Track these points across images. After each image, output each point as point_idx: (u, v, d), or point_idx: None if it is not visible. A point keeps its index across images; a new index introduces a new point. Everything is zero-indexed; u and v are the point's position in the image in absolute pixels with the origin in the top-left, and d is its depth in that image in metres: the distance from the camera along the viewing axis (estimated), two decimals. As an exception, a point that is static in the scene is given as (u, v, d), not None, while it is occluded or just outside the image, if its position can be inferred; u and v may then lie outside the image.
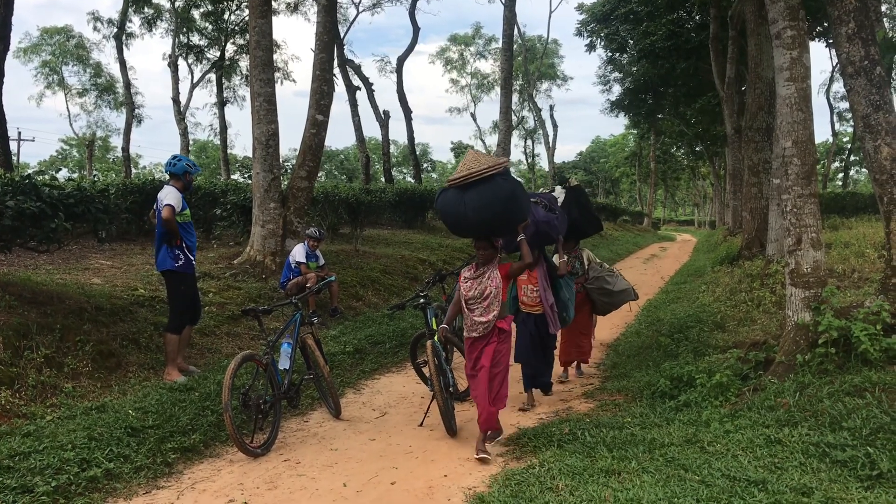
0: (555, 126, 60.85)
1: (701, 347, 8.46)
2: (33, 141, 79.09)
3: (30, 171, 10.80)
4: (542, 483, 4.97)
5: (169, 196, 7.52)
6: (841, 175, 64.80)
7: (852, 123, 42.89)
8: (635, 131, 64.50)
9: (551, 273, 7.43)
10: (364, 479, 5.53)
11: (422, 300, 7.23)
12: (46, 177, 8.02)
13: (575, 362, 8.98)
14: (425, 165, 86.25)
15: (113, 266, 10.91)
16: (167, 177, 7.98)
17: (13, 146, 55.19)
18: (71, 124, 51.90)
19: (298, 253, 10.46)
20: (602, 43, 37.85)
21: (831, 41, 29.91)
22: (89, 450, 5.44)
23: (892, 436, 5.05)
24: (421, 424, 6.88)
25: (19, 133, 56.53)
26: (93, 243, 13.08)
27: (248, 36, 31.76)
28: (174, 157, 7.91)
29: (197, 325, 8.42)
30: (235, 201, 13.73)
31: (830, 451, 5.05)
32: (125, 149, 34.62)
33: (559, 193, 8.05)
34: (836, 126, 57.09)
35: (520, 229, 6.09)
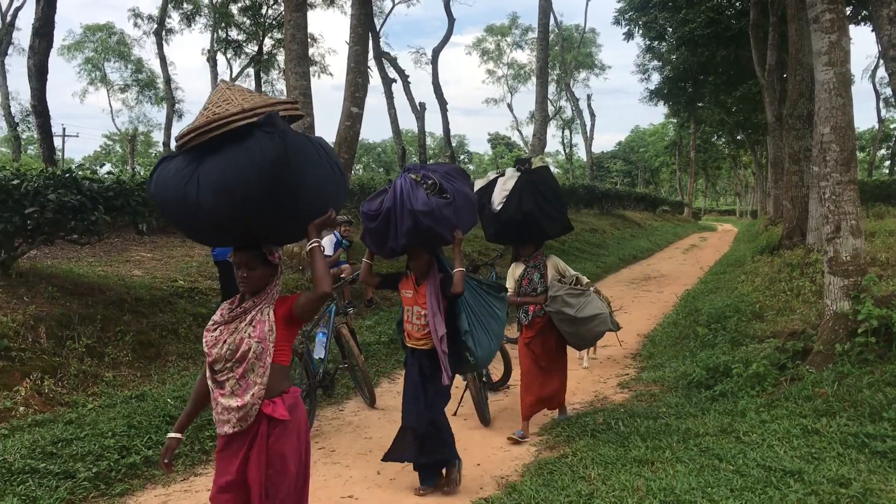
0: (592, 116, 60.35)
1: (738, 337, 8.35)
2: (77, 137, 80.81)
3: (73, 167, 11.03)
4: (575, 472, 4.96)
5: None
6: (888, 163, 63.35)
7: (898, 109, 41.97)
8: (675, 120, 63.66)
9: (444, 291, 5.08)
10: (397, 467, 5.56)
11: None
12: (88, 171, 8.18)
13: (545, 410, 6.66)
14: (462, 157, 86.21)
15: (153, 258, 11.09)
16: None
17: (58, 142, 56.35)
18: (113, 120, 52.66)
19: (326, 245, 10.52)
20: (640, 31, 37.36)
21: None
22: (129, 437, 5.55)
23: (933, 426, 4.96)
24: (455, 414, 6.90)
25: (64, 129, 57.59)
26: (134, 236, 13.30)
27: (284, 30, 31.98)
28: None
29: None
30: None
31: (870, 442, 4.97)
32: (166, 143, 35.07)
33: (509, 176, 6.23)
34: (883, 112, 55.71)
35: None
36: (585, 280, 6.46)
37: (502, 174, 6.33)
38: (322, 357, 6.76)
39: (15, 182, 6.83)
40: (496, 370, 7.39)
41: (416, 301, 5.10)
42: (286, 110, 3.32)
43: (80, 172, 7.56)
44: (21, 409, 5.91)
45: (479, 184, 6.30)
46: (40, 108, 17.48)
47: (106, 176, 8.07)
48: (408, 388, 5.16)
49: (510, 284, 6.35)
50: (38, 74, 16.93)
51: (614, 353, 9.63)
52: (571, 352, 6.95)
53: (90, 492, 4.91)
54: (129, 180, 7.81)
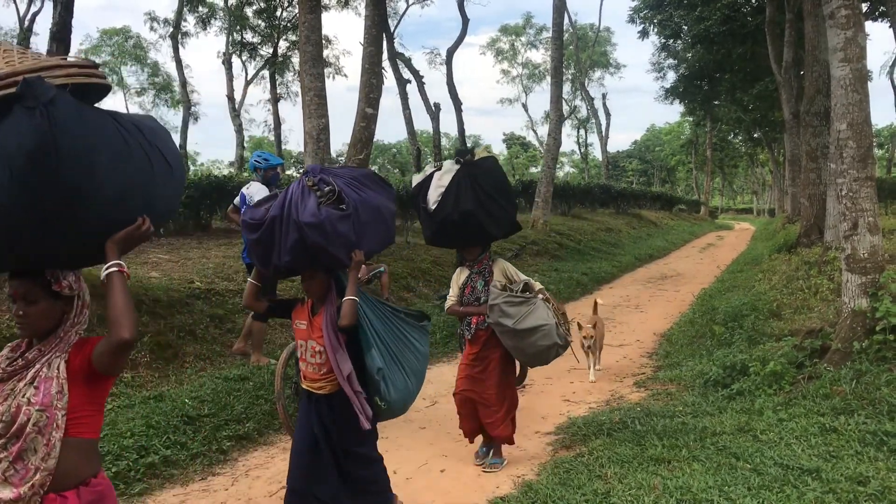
0: (607, 115, 60.19)
1: (756, 336, 8.31)
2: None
3: None
4: (591, 471, 4.96)
5: (260, 191, 7.72)
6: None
7: (917, 105, 41.47)
8: (691, 118, 63.38)
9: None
10: (414, 466, 5.59)
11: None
12: None
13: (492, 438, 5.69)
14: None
15: (170, 260, 11.17)
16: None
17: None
18: (130, 123, 52.97)
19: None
20: (655, 29, 37.24)
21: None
22: (147, 437, 5.60)
23: (952, 424, 4.93)
24: (471, 413, 6.90)
25: (82, 133, 58.00)
26: (152, 238, 13.40)
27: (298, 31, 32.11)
28: (253, 154, 8.21)
29: None
30: (288, 195, 13.92)
31: (888, 440, 4.94)
32: (182, 146, 35.30)
33: (446, 170, 5.43)
34: (901, 109, 55.12)
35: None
36: (537, 286, 5.56)
37: (439, 168, 5.49)
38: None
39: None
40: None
41: (310, 334, 4.05)
42: (70, 74, 2.31)
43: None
44: (41, 409, 5.99)
45: (416, 179, 5.72)
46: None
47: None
48: (300, 440, 4.14)
49: (453, 292, 5.74)
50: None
51: (630, 352, 9.61)
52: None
53: (110, 491, 4.95)
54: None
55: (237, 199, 8.08)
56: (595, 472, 4.94)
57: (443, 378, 8.39)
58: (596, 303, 8.93)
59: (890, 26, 34.36)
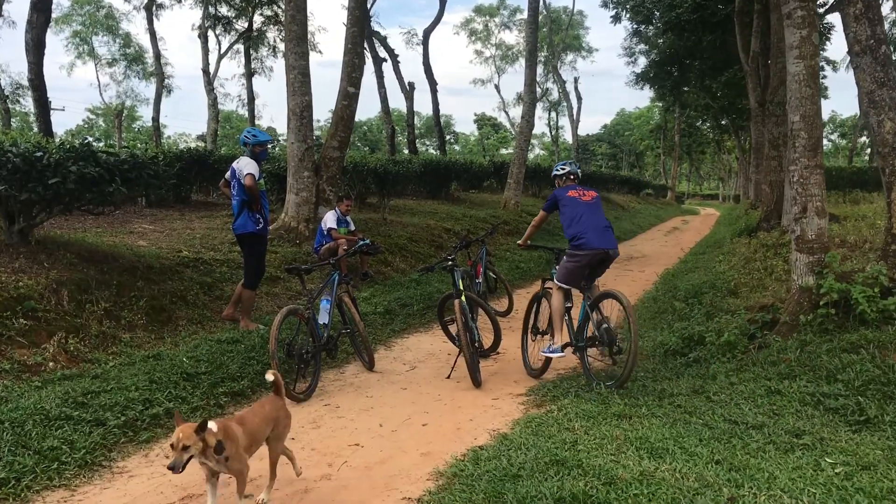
0: (579, 98, 60.92)
1: (713, 311, 8.90)
2: (63, 110, 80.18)
3: (59, 140, 11.39)
4: (560, 424, 5.50)
5: (248, 166, 8.11)
6: (868, 150, 64.22)
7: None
8: (660, 104, 64.12)
9: None
10: (398, 421, 6.08)
11: (450, 263, 7.73)
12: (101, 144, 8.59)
13: None
14: (448, 137, 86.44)
15: (156, 230, 11.52)
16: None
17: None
18: (101, 94, 52.60)
19: (330, 219, 11.00)
20: (628, 14, 37.68)
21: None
22: (151, 391, 6.03)
23: (881, 387, 5.54)
24: (448, 377, 7.42)
25: (50, 102, 57.29)
26: (134, 209, 13.72)
27: (275, 7, 32.08)
28: (244, 130, 8.59)
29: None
30: (269, 170, 14.28)
31: (825, 400, 5.55)
32: (155, 119, 35.32)
33: None
34: (864, 101, 56.21)
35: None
36: None
37: None
38: (326, 322, 7.25)
39: (38, 154, 7.25)
40: (487, 339, 7.90)
41: None
42: None
43: (97, 145, 7.99)
44: (50, 364, 6.39)
45: None
46: (37, 81, 17.75)
47: (121, 149, 8.49)
48: None
49: None
50: (36, 49, 17.18)
51: (597, 325, 10.18)
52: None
53: (119, 437, 5.37)
54: (142, 154, 8.23)
55: (228, 174, 8.46)
56: (564, 425, 5.47)
57: (420, 346, 8.89)
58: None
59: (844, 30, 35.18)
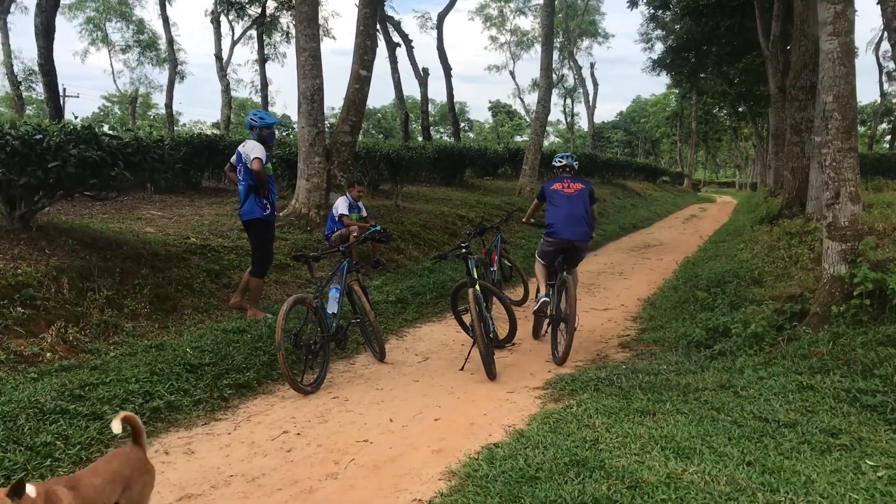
0: (595, 84, 60.23)
1: (737, 301, 8.57)
2: (78, 97, 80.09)
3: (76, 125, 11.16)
4: (580, 421, 5.21)
5: (255, 150, 7.83)
6: (889, 137, 63.27)
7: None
8: (677, 91, 63.48)
9: None
10: (409, 415, 5.82)
11: (463, 250, 7.44)
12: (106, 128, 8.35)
13: None
14: (463, 124, 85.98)
15: (164, 216, 11.29)
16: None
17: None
18: (115, 81, 52.54)
19: (341, 205, 10.73)
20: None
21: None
22: (151, 383, 5.78)
23: (922, 383, 5.22)
24: (462, 369, 7.14)
25: (64, 90, 57.22)
26: (143, 195, 13.51)
27: (289, -8, 31.71)
28: (250, 113, 8.31)
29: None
30: (280, 155, 14.03)
31: (861, 397, 5.23)
32: (168, 105, 35.13)
33: None
34: (885, 86, 55.45)
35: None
36: None
37: None
38: (335, 312, 6.98)
39: (37, 137, 7.00)
40: (502, 329, 7.61)
41: None
42: None
43: (100, 129, 7.73)
44: (48, 354, 6.15)
45: None
46: (47, 66, 17.53)
47: (124, 132, 8.24)
48: None
49: None
50: (45, 33, 16.95)
51: (615, 316, 9.88)
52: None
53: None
54: (147, 137, 7.97)
55: (234, 158, 8.20)
56: (583, 422, 5.18)
57: (433, 336, 8.62)
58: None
59: (877, 2, 34.48)
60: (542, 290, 7.89)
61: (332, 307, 7.02)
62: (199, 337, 7.07)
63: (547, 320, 7.91)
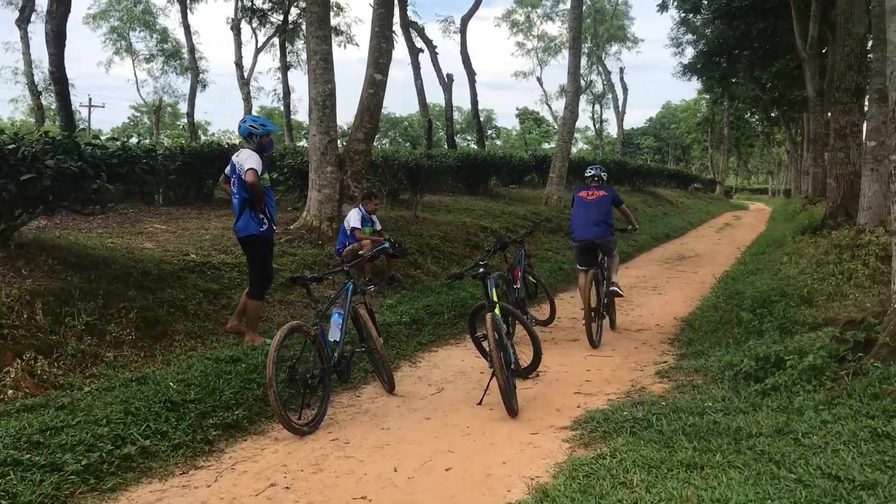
0: (625, 90, 59.31)
1: (787, 324, 7.73)
2: (103, 107, 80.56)
3: (103, 138, 10.56)
4: (614, 476, 4.41)
5: (250, 160, 7.11)
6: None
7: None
8: (708, 96, 62.45)
9: None
10: (417, 463, 5.07)
11: (481, 269, 6.69)
12: (117, 142, 7.72)
13: None
14: (489, 132, 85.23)
15: (167, 230, 10.66)
16: (229, 142, 7.67)
17: (84, 112, 56.32)
18: (139, 90, 52.51)
19: (353, 218, 10.02)
20: (675, 3, 36.34)
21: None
22: (125, 425, 5.09)
23: None
24: (480, 403, 6.39)
25: (90, 99, 57.61)
26: (150, 207, 12.91)
27: (310, -2, 31.35)
28: (242, 119, 7.57)
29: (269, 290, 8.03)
30: (292, 165, 13.35)
31: (951, 449, 4.39)
32: (190, 114, 34.79)
33: None
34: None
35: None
36: None
37: None
38: (338, 339, 6.24)
39: (11, 146, 6.35)
40: (524, 355, 6.82)
41: None
42: None
43: (81, 137, 7.06)
44: (10, 392, 5.47)
45: None
46: (58, 74, 17.12)
47: (109, 142, 7.59)
48: None
49: None
50: (56, 39, 16.54)
51: (650, 338, 9.06)
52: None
53: (78, 486, 4.44)
54: (136, 147, 7.30)
55: (228, 169, 7.52)
56: (619, 478, 4.39)
57: (450, 362, 7.87)
58: None
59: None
60: (585, 311, 8.55)
61: (334, 334, 6.28)
62: (187, 368, 6.35)
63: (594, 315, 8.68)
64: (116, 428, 5.03)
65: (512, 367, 6.29)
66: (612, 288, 8.91)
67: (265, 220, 7.27)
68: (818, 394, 5.58)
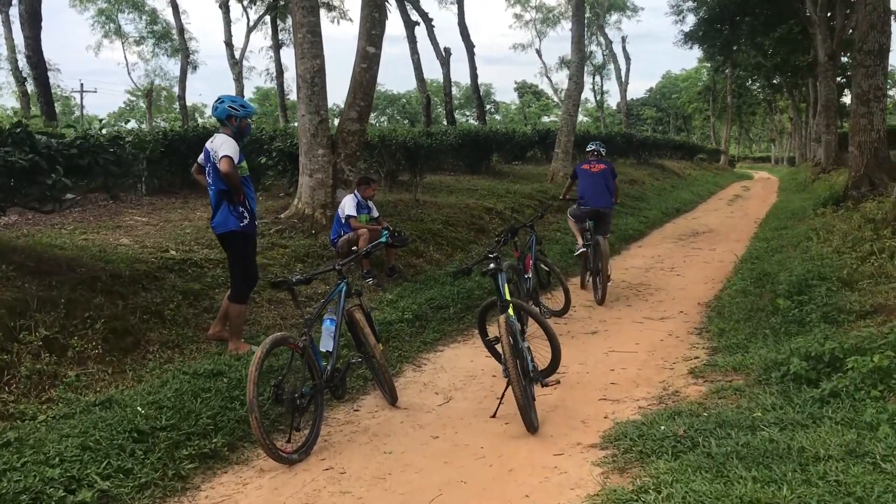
0: (627, 59, 58.15)
1: (832, 312, 6.94)
2: (95, 92, 79.00)
3: (100, 123, 9.71)
4: (663, 519, 3.66)
5: (225, 146, 6.24)
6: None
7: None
8: (709, 65, 61.37)
9: None
10: (424, 498, 4.32)
11: (493, 265, 5.89)
12: (113, 129, 6.89)
13: None
14: (488, 107, 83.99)
15: (148, 223, 9.86)
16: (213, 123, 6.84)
17: (76, 98, 55.32)
18: (129, 74, 51.54)
19: (348, 205, 9.20)
20: (676, -32, 35.36)
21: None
22: (81, 463, 4.31)
23: None
24: (494, 416, 5.63)
25: (81, 84, 56.70)
26: (131, 198, 12.10)
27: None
28: (217, 99, 6.68)
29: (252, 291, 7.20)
30: (282, 148, 12.49)
31: None
32: (181, 97, 33.87)
33: None
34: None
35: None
36: None
37: None
38: (330, 350, 5.45)
39: (-51, 139, 5.55)
40: (540, 352, 6.03)
41: None
42: None
43: (33, 126, 6.23)
44: (-53, 428, 4.70)
45: None
46: (35, 58, 16.30)
47: (65, 129, 6.77)
48: None
49: None
50: (31, 21, 15.69)
51: (676, 327, 8.28)
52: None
53: (18, 548, 3.70)
54: (98, 135, 6.48)
55: (201, 157, 6.70)
56: (668, 520, 3.63)
57: (457, 364, 7.11)
58: None
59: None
60: (580, 241, 9.96)
61: (325, 344, 5.49)
62: (161, 385, 5.56)
63: (588, 273, 10.11)
64: (71, 468, 4.25)
65: (531, 375, 5.52)
66: (609, 282, 9.89)
67: (246, 214, 6.45)
68: (888, 402, 4.81)
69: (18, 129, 5.91)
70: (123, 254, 7.67)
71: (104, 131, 6.80)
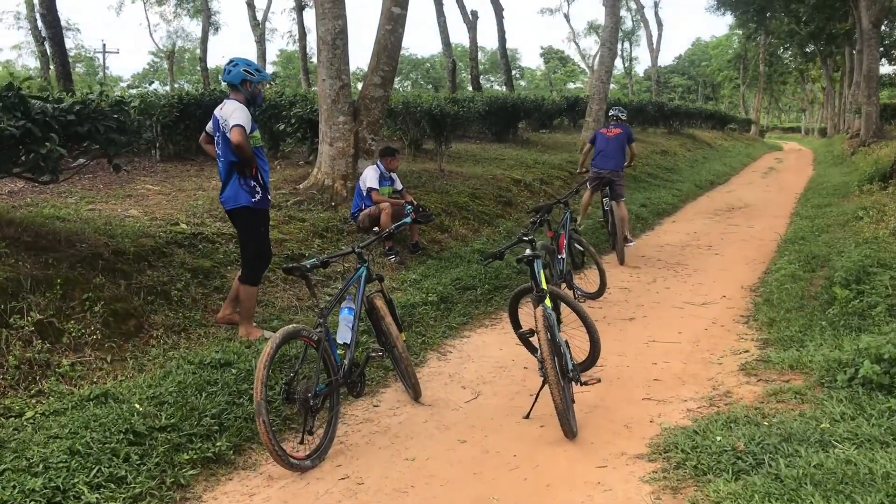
0: (659, 25, 56.66)
1: (902, 306, 6.33)
2: (118, 53, 78.46)
3: (123, 85, 9.22)
4: (733, 565, 3.13)
5: (235, 114, 5.68)
6: None
7: None
8: (740, 32, 59.83)
9: None
10: (451, 518, 3.82)
11: (528, 251, 5.33)
12: (136, 90, 6.35)
13: None
14: (514, 73, 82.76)
15: (160, 192, 9.37)
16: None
17: (99, 59, 54.91)
18: (151, 35, 50.97)
19: (369, 177, 8.63)
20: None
21: None
22: (68, 471, 3.85)
23: None
24: (527, 416, 5.11)
25: (104, 45, 56.30)
26: (145, 164, 11.61)
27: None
28: (230, 61, 6.10)
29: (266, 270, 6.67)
30: (301, 114, 11.92)
31: None
32: (202, 59, 33.27)
33: None
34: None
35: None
36: None
37: None
38: (348, 342, 4.93)
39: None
40: (579, 349, 5.49)
41: None
42: None
43: (28, 90, 5.69)
44: (-79, 428, 4.23)
45: None
46: (50, 17, 15.80)
47: (61, 94, 6.24)
48: None
49: None
50: (45, -22, 15.15)
51: (719, 314, 7.70)
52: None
53: (-10, 573, 3.24)
54: (99, 99, 5.94)
55: (209, 126, 6.16)
56: (739, 566, 3.10)
57: (486, 352, 6.59)
58: None
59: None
60: (580, 219, 11.29)
61: (343, 335, 4.96)
62: (163, 377, 5.07)
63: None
64: (56, 476, 3.78)
65: (569, 374, 4.97)
66: (627, 244, 10.43)
67: (258, 189, 5.92)
68: (980, 417, 4.23)
69: (10, 93, 5.37)
70: (130, 227, 7.17)
71: (112, 96, 6.18)
